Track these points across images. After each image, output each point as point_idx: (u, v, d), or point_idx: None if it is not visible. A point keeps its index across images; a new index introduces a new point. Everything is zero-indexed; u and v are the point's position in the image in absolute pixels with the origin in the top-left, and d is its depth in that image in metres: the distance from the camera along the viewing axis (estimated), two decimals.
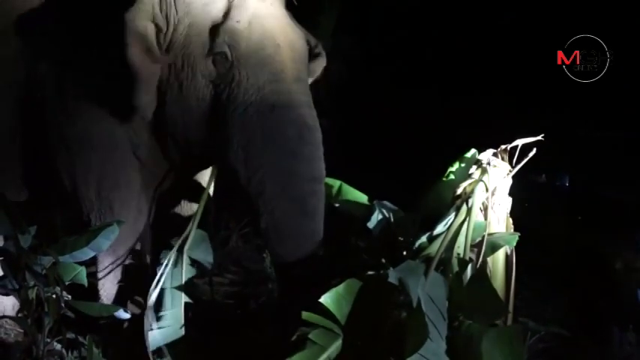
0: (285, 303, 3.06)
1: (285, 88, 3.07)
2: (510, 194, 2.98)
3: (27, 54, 3.33)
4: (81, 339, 3.03)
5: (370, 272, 2.79)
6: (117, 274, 3.36)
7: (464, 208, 2.84)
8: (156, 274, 3.10)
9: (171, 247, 3.15)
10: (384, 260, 2.94)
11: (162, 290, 3.08)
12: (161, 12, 3.10)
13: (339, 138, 4.70)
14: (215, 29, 3.07)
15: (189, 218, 3.32)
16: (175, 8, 3.09)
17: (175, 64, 3.11)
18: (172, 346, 3.02)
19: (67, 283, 2.98)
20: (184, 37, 3.10)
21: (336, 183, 3.36)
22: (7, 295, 3.07)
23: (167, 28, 3.10)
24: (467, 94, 4.99)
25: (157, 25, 3.09)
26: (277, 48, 3.08)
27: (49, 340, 2.97)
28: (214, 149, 3.13)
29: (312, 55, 3.31)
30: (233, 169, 3.08)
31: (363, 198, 3.34)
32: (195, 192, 3.50)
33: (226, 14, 3.08)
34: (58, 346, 3.08)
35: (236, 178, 3.08)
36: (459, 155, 3.15)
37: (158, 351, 3.00)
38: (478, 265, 2.80)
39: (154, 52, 3.07)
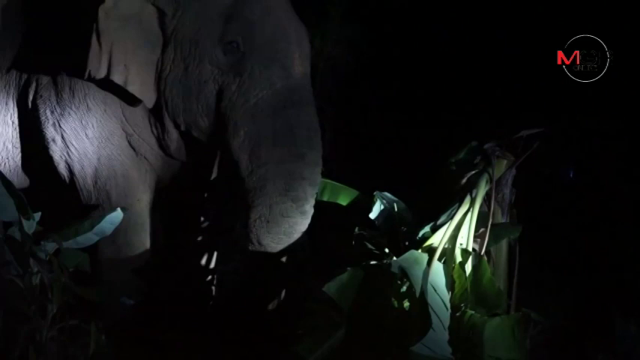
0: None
1: (296, 85, 3.09)
2: (514, 185, 2.98)
3: (22, 46, 3.33)
4: (84, 325, 3.03)
5: (373, 262, 2.80)
6: (117, 262, 3.37)
7: (467, 198, 2.84)
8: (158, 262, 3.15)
9: None
10: (387, 250, 2.95)
11: None
12: None
13: (346, 127, 4.70)
14: (228, 18, 3.07)
15: (190, 207, 3.35)
16: None
17: (182, 47, 3.11)
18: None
19: (70, 270, 2.99)
20: (193, 22, 3.10)
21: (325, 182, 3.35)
22: (11, 280, 3.08)
23: (175, 12, 3.10)
24: (467, 93, 4.98)
25: (158, 9, 3.10)
26: (288, 43, 3.09)
27: (52, 326, 2.98)
28: (216, 136, 3.14)
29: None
30: (236, 158, 3.10)
31: (353, 193, 3.34)
32: (194, 180, 3.51)
33: (239, 4, 3.08)
34: (62, 333, 3.09)
35: (237, 167, 3.10)
36: (460, 148, 3.15)
37: None
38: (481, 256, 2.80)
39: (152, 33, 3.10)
